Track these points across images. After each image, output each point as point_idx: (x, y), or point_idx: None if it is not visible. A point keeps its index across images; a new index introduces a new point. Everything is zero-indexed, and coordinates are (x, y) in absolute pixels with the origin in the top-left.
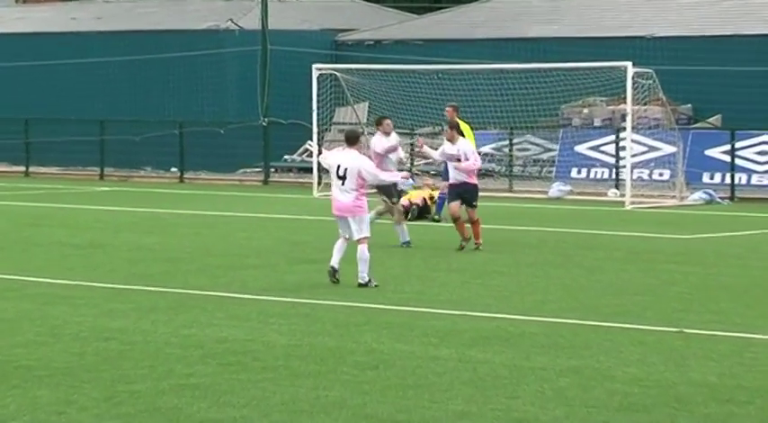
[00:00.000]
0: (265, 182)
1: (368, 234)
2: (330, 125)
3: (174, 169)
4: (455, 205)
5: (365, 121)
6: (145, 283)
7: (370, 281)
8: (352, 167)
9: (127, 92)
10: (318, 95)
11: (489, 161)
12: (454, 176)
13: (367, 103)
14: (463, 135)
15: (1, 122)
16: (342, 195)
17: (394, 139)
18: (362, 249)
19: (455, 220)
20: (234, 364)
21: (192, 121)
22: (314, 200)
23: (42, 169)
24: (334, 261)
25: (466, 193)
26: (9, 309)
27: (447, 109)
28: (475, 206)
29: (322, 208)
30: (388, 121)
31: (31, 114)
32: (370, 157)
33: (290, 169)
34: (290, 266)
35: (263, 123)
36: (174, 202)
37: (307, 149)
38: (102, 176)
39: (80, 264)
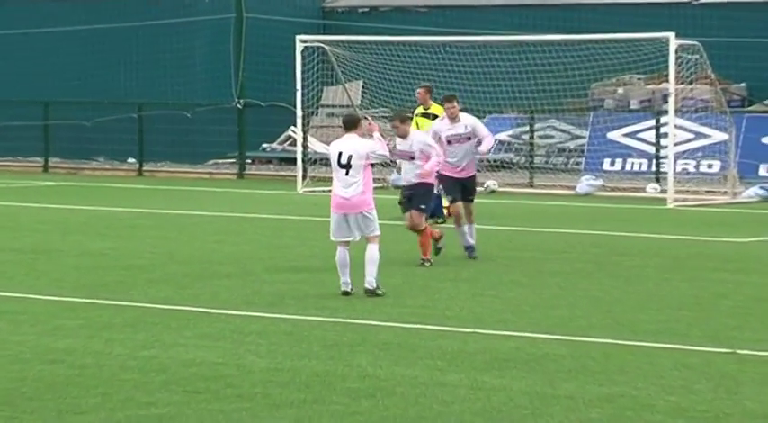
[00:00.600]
0: (240, 175)
1: (378, 232)
2: (317, 108)
3: (131, 160)
4: (416, 213)
5: (359, 102)
6: (97, 295)
7: (377, 288)
8: (358, 153)
9: (76, 68)
10: (303, 73)
11: (506, 151)
12: (405, 177)
13: (361, 82)
14: (433, 118)
15: None
16: (345, 189)
17: (463, 124)
18: (373, 249)
19: (416, 231)
20: (203, 391)
21: (153, 103)
22: (298, 197)
23: None
24: (345, 282)
25: (414, 195)
26: None
27: (419, 91)
28: (422, 210)
29: (307, 206)
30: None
31: None
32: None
33: (269, 160)
34: (269, 275)
35: (238, 106)
36: (133, 199)
37: (289, 137)
38: (46, 168)
39: (21, 272)
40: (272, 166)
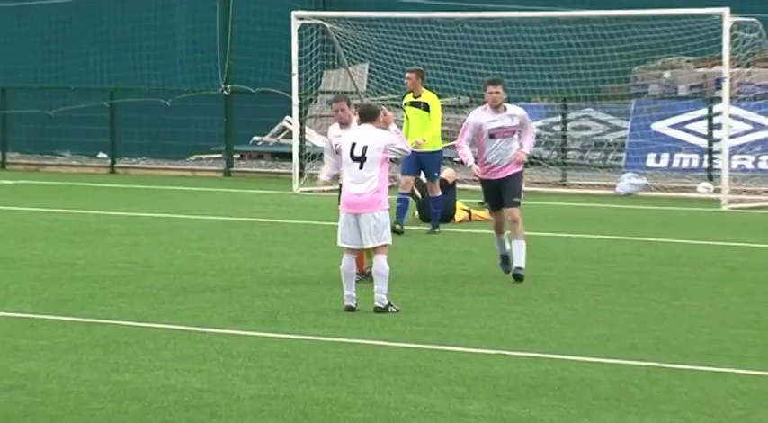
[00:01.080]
0: (227, 173)
1: (388, 240)
2: (316, 95)
3: (102, 155)
4: None
5: (364, 88)
6: (63, 311)
7: (390, 304)
8: (374, 144)
9: (37, 49)
10: (300, 54)
11: (535, 145)
12: None
13: (366, 65)
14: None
15: None
16: (358, 185)
17: (509, 115)
18: (381, 261)
19: None
20: (185, 422)
21: (126, 90)
22: (294, 197)
23: None
24: (350, 296)
25: None
26: None
27: (408, 75)
28: None
29: (304, 208)
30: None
31: None
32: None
33: (260, 155)
34: (261, 288)
35: (225, 93)
36: (103, 201)
37: (284, 128)
38: (3, 165)
39: None
40: (263, 162)
